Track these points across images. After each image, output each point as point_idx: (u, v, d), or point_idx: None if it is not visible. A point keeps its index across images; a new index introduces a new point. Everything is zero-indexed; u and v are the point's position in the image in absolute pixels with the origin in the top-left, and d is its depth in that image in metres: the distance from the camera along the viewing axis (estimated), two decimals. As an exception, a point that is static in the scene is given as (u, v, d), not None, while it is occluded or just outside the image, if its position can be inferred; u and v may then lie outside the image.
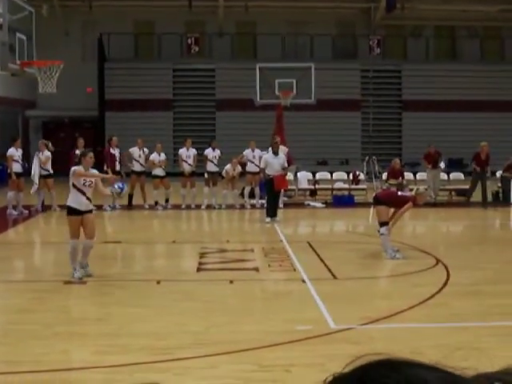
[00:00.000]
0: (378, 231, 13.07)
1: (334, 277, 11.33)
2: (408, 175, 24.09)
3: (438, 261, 12.57)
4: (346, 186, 24.07)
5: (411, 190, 16.20)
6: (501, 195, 23.25)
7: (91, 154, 11.35)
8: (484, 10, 35.85)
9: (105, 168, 20.82)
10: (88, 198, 11.09)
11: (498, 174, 23.82)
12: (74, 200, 11.04)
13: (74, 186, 11.03)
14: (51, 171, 20.87)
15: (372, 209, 14.77)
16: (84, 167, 11.10)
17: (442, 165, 23.69)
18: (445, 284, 10.63)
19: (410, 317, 8.75)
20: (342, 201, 22.66)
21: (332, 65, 34.73)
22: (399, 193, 13.86)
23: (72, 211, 11.04)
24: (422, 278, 11.28)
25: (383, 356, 0.99)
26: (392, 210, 13.07)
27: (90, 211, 11.19)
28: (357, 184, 24.26)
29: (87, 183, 11.02)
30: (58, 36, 35.41)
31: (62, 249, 14.04)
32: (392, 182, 22.28)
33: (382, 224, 12.87)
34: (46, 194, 20.67)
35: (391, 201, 13.05)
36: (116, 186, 12.98)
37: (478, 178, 22.41)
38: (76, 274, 10.96)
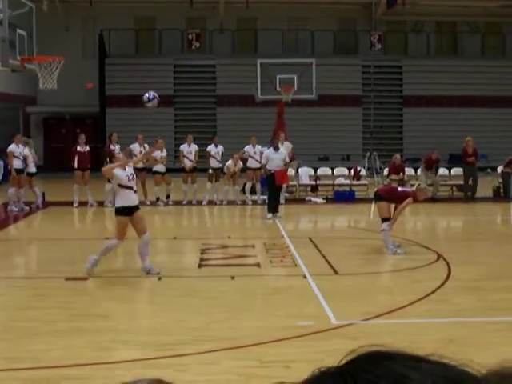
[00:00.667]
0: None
1: (336, 272, 11.33)
2: (409, 171, 24.09)
3: (439, 256, 12.56)
4: (347, 181, 24.04)
5: (412, 185, 16.19)
6: (502, 191, 23.22)
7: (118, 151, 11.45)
8: (485, 5, 35.78)
9: (104, 164, 20.71)
10: (135, 191, 11.09)
11: (499, 169, 23.80)
12: (125, 199, 10.89)
13: (120, 186, 10.91)
14: (32, 170, 20.61)
15: (373, 204, 14.73)
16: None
17: (440, 172, 23.67)
18: (446, 279, 10.62)
19: (412, 312, 8.74)
20: (343, 196, 22.64)
21: (333, 60, 34.68)
22: (400, 188, 13.84)
23: (123, 211, 10.88)
24: (424, 273, 11.27)
25: (376, 348, 0.96)
26: (393, 205, 13.07)
27: (138, 207, 11.17)
28: (358, 180, 24.23)
29: (130, 177, 10.97)
30: (59, 32, 35.37)
31: (63, 245, 14.07)
32: (393, 177, 22.27)
33: (384, 220, 12.87)
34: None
35: (392, 196, 13.03)
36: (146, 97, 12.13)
37: (468, 173, 22.48)
38: (90, 267, 10.87)
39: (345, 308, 8.93)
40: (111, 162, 11.22)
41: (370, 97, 33.54)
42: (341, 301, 9.33)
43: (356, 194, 22.87)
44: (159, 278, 10.79)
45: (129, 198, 10.92)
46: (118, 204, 10.96)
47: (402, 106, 36.81)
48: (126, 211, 10.88)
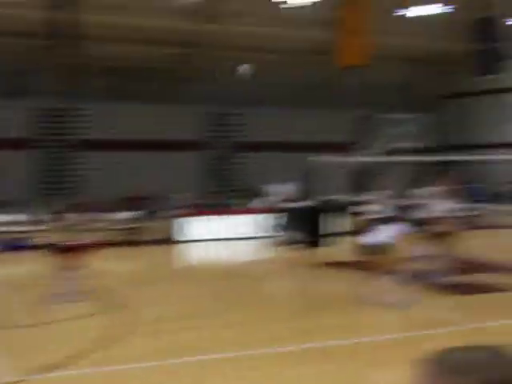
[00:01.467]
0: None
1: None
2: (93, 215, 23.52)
3: (120, 300, 12.26)
4: (4, 229, 22.65)
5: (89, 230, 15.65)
6: (173, 234, 23.07)
7: None
8: (161, 52, 36.46)
9: None
10: None
11: (168, 213, 24.11)
12: None
13: None
14: None
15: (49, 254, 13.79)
16: None
17: (118, 215, 23.74)
18: (126, 323, 10.27)
19: (87, 362, 8.24)
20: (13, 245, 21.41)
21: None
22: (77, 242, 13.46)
23: None
24: (101, 320, 10.79)
25: None
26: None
27: None
28: (25, 227, 22.94)
29: None
30: None
31: None
32: (65, 222, 21.50)
33: (66, 269, 12.42)
34: None
35: (71, 250, 12.66)
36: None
37: (141, 216, 23.38)
38: None
39: (11, 364, 8.12)
40: None
41: (39, 140, 32.61)
42: (7, 357, 8.45)
43: (30, 241, 21.60)
44: None
45: None
46: None
47: (77, 150, 35.88)
48: None
